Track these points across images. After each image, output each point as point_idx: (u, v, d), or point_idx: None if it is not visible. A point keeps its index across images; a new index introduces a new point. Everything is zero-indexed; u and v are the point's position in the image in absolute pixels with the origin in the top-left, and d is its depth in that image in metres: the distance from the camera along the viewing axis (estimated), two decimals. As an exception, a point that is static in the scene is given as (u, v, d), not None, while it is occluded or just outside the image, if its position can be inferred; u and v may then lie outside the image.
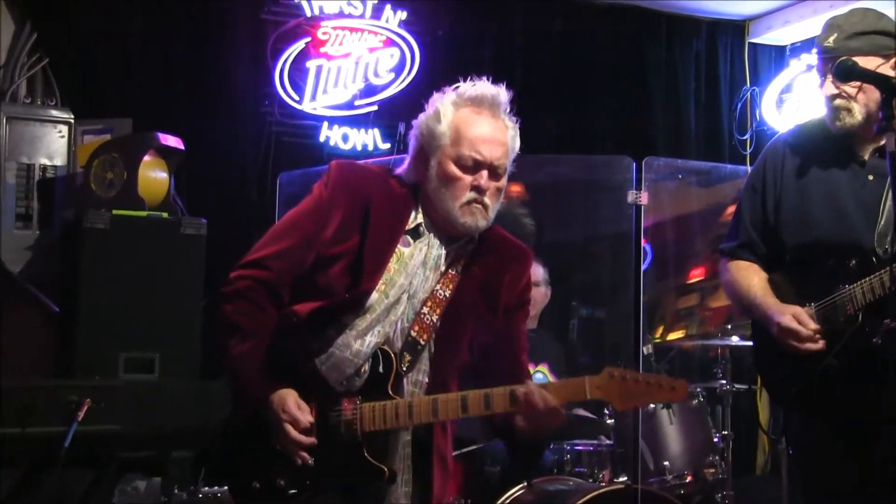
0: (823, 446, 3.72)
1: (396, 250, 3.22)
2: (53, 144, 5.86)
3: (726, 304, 7.49)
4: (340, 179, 3.28)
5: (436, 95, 3.33)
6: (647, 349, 5.70)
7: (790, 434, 3.98)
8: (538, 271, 6.39)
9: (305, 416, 3.11)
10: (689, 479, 5.48)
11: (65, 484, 4.05)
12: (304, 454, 3.11)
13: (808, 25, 7.53)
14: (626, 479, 5.30)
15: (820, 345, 3.57)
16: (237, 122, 6.61)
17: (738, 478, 5.94)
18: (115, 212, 5.30)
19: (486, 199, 3.21)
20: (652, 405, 5.44)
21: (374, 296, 3.17)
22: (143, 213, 5.38)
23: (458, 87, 3.31)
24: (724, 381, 5.85)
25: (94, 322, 5.15)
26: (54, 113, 5.95)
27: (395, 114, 6.39)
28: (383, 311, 3.17)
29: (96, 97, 6.28)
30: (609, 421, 5.67)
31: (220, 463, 3.37)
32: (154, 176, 5.57)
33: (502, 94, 3.31)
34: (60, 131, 5.88)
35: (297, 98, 6.59)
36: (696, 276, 7.77)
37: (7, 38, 6.18)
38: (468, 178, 3.20)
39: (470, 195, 3.19)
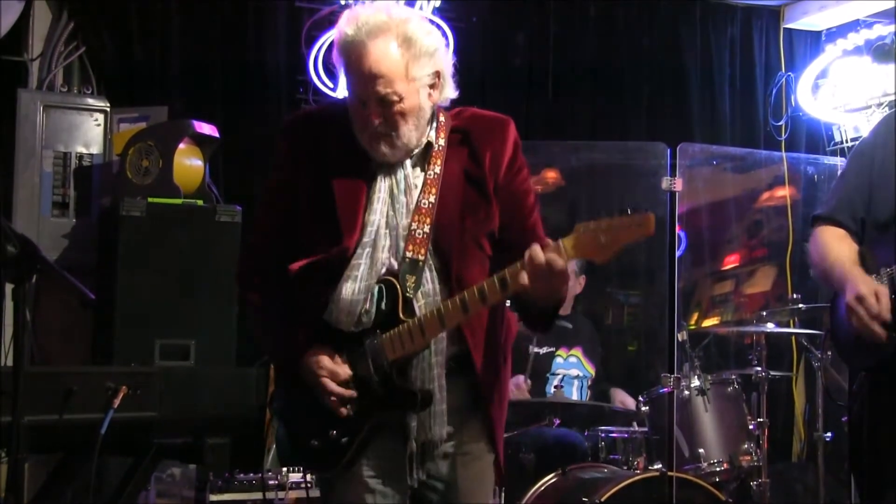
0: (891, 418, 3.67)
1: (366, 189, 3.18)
2: (90, 133, 5.90)
3: (762, 291, 7.49)
4: (294, 136, 3.28)
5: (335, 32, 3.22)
6: (681, 336, 5.69)
7: (860, 403, 3.89)
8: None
9: (342, 369, 3.13)
10: (724, 466, 5.46)
11: (101, 471, 4.08)
12: (344, 408, 3.13)
13: (844, 10, 7.49)
14: (660, 466, 5.29)
15: (883, 333, 3.51)
16: (272, 110, 6.62)
17: (773, 465, 5.93)
18: (150, 199, 5.32)
19: (383, 129, 3.11)
20: (676, 393, 5.39)
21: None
22: (179, 201, 5.40)
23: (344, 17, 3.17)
24: (759, 368, 5.83)
25: (130, 309, 5.18)
26: (91, 101, 5.99)
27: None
28: (367, 251, 3.14)
29: (132, 85, 6.32)
30: (644, 409, 5.67)
31: (284, 440, 3.36)
32: (189, 163, 5.59)
33: (380, 13, 3.12)
34: (97, 119, 5.92)
35: (331, 85, 6.59)
36: (732, 262, 7.75)
37: (44, 27, 6.22)
38: (363, 114, 3.13)
39: (368, 130, 3.12)
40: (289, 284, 3.21)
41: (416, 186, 3.19)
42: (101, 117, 5.91)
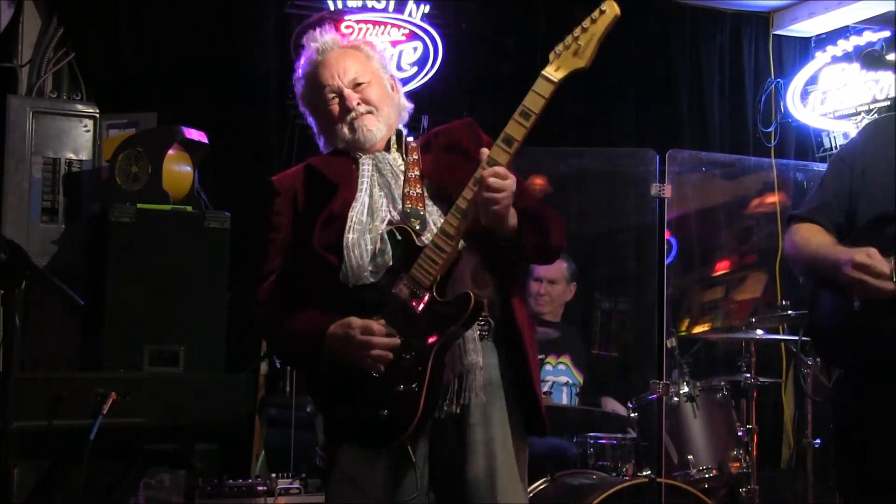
0: (879, 419, 3.63)
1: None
2: (79, 139, 5.88)
3: (751, 297, 7.49)
4: (279, 185, 3.49)
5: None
6: (671, 342, 5.69)
7: (841, 403, 3.86)
8: (561, 266, 6.39)
9: (375, 323, 3.17)
10: (713, 472, 5.46)
11: (90, 477, 4.07)
12: (387, 353, 3.15)
13: (834, 17, 7.51)
14: (649, 472, 5.29)
15: (892, 287, 3.45)
16: (261, 116, 6.63)
17: (762, 471, 5.93)
18: (139, 205, 5.30)
19: (363, 108, 3.39)
20: (665, 399, 5.40)
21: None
22: (168, 207, 5.39)
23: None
24: (748, 375, 5.84)
25: (119, 315, 5.16)
26: (80, 107, 5.98)
27: (418, 107, 6.41)
28: (364, 201, 3.29)
29: (121, 91, 6.31)
30: (633, 415, 5.67)
31: (344, 436, 3.37)
32: (178, 169, 5.57)
33: (328, 34, 3.54)
34: (86, 126, 5.91)
35: (319, 91, 6.59)
36: (722, 268, 7.76)
37: (34, 33, 6.22)
38: (340, 107, 3.39)
39: (350, 115, 3.37)
40: (310, 264, 3.30)
41: (399, 166, 3.39)
42: (90, 123, 5.90)
